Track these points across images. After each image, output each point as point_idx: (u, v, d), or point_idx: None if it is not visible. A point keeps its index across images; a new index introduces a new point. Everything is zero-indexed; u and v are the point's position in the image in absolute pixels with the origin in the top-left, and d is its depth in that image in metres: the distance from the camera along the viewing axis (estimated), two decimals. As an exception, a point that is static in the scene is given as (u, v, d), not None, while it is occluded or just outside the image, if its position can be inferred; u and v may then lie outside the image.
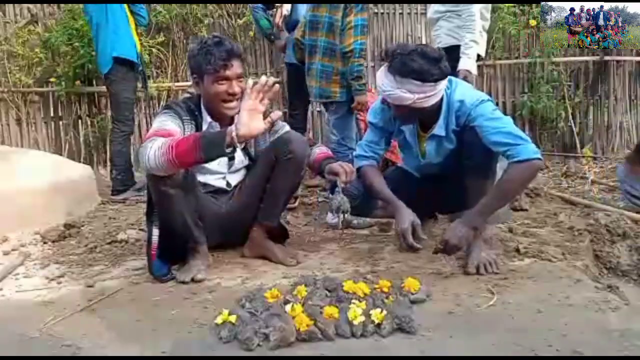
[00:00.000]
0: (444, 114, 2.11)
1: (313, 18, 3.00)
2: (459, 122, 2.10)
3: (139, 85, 4.13)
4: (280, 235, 2.44)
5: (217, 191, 2.32)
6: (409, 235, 2.06)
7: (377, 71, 2.10)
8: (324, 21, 2.94)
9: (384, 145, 2.36)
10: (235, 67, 2.12)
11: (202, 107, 2.22)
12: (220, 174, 2.32)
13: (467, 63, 3.21)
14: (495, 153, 2.10)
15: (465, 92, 2.09)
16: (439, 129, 2.13)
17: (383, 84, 2.02)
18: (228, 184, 2.34)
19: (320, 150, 2.39)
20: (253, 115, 1.82)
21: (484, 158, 2.11)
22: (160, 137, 1.90)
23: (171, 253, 2.19)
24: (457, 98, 2.07)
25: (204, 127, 2.20)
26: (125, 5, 3.86)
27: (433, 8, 3.52)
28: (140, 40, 4.23)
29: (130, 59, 3.81)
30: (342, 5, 2.87)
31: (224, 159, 2.25)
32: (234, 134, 1.80)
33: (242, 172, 2.38)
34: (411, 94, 1.96)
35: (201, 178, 2.25)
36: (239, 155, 2.30)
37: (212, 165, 2.22)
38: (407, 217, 2.09)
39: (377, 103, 2.30)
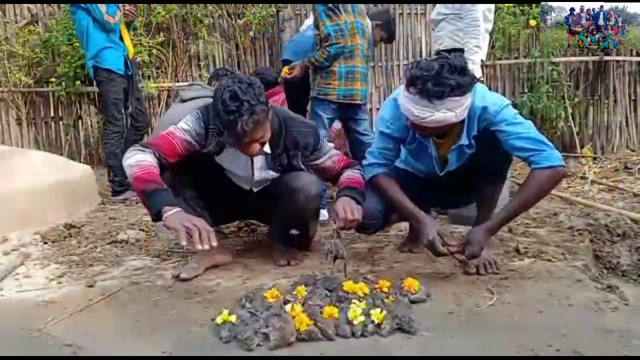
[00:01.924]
0: (466, 122, 2.01)
1: (348, 24, 3.08)
2: (480, 127, 2.02)
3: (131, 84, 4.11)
4: (304, 240, 2.42)
5: (241, 190, 2.30)
6: (437, 245, 1.96)
7: (402, 99, 1.94)
8: (357, 27, 3.10)
9: (396, 152, 2.24)
10: (253, 136, 1.97)
11: None
12: (245, 179, 2.26)
13: (472, 68, 3.18)
14: (509, 159, 2.07)
15: (486, 96, 2.02)
16: (463, 139, 2.03)
17: (419, 112, 1.87)
18: (251, 189, 2.29)
19: (348, 175, 2.24)
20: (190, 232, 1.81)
21: (501, 163, 2.09)
22: (155, 146, 2.02)
23: None
24: (479, 104, 1.98)
25: (227, 146, 2.12)
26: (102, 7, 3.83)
27: (436, 10, 3.50)
28: (132, 41, 4.23)
29: (106, 67, 3.80)
30: (362, 9, 3.12)
31: (246, 173, 2.21)
32: (163, 218, 1.86)
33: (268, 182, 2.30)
34: (453, 111, 1.86)
35: (229, 174, 2.25)
36: (262, 174, 2.22)
37: (237, 172, 2.22)
38: (433, 227, 2.01)
39: (389, 112, 2.16)
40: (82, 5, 3.75)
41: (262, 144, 2.07)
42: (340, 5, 3.05)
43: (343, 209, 2.06)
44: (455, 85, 1.81)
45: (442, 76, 1.81)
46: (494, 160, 2.06)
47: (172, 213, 1.86)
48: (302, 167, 2.25)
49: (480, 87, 2.07)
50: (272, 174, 2.24)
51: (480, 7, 3.22)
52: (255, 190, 2.29)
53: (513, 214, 2.02)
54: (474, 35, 3.18)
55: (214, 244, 1.82)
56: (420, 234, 2.05)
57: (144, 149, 2.01)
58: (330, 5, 3.01)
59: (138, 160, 1.96)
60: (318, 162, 2.28)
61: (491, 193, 2.12)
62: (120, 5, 3.83)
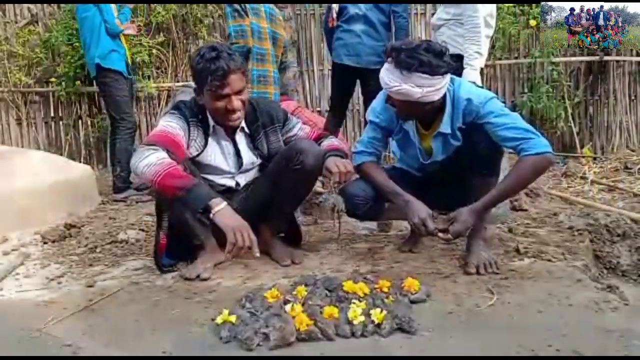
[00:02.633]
0: (449, 111, 2.08)
1: (259, 28, 3.30)
2: (466, 119, 2.07)
3: (132, 88, 4.17)
4: (293, 235, 2.46)
5: (228, 190, 2.30)
6: (429, 222, 2.02)
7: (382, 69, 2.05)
8: (268, 33, 3.30)
9: (384, 143, 2.33)
10: (233, 84, 2.03)
11: (207, 111, 2.19)
12: (229, 174, 2.30)
13: (472, 75, 3.14)
14: (500, 152, 2.09)
15: (471, 90, 2.08)
16: (444, 126, 2.10)
17: (389, 80, 2.00)
18: (237, 184, 2.32)
19: (329, 142, 2.32)
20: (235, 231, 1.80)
21: (491, 157, 2.10)
22: (162, 143, 1.98)
23: (179, 251, 2.22)
24: (463, 96, 2.05)
25: (210, 131, 2.20)
26: (114, 9, 3.87)
27: (437, 15, 3.47)
28: (129, 43, 4.25)
29: (113, 68, 3.84)
30: (279, 18, 3.31)
31: (233, 160, 2.26)
32: (212, 213, 1.81)
33: (254, 172, 2.36)
34: (419, 88, 1.95)
35: (210, 177, 2.25)
36: (248, 156, 2.28)
37: (221, 165, 2.24)
38: (422, 206, 2.07)
39: (379, 102, 2.28)
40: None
41: (242, 103, 2.10)
42: (250, 9, 3.13)
43: (335, 165, 2.13)
44: (426, 62, 1.92)
45: (416, 51, 1.93)
46: (484, 154, 2.08)
47: (222, 209, 1.83)
48: (282, 145, 2.32)
49: (465, 82, 2.14)
50: (254, 159, 2.30)
51: (482, 13, 3.18)
52: (241, 185, 2.31)
53: (499, 197, 2.04)
54: (475, 42, 3.14)
55: (257, 255, 1.85)
56: (408, 212, 2.09)
57: (156, 147, 1.95)
58: (237, 6, 3.14)
59: (159, 157, 1.90)
60: (292, 133, 2.36)
61: (485, 188, 2.13)
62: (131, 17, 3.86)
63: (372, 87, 3.36)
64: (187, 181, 1.87)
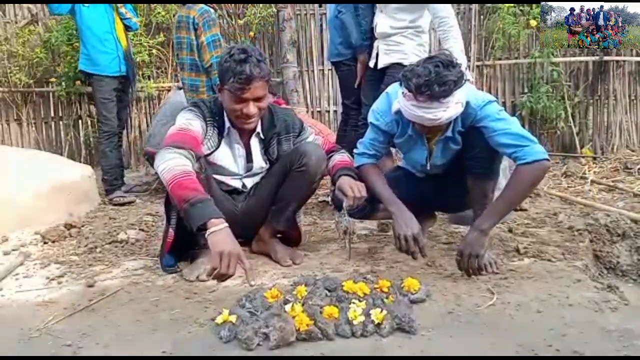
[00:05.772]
0: None
1: (178, 39, 3.56)
2: (465, 123, 2.07)
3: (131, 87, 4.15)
4: (294, 238, 2.46)
5: (233, 191, 2.33)
6: (411, 243, 2.02)
7: (409, 109, 1.96)
8: (186, 42, 3.47)
9: (386, 145, 2.33)
10: (254, 91, 2.04)
11: (224, 111, 2.21)
12: (237, 175, 2.32)
13: (466, 74, 3.04)
14: (498, 153, 2.08)
15: (469, 93, 2.06)
16: (448, 131, 2.10)
17: (432, 115, 1.92)
18: (244, 185, 2.34)
19: (340, 157, 2.34)
20: (228, 255, 1.71)
21: (487, 159, 2.10)
22: (183, 142, 1.97)
23: (182, 250, 2.23)
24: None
25: (225, 132, 2.21)
26: (114, 11, 3.85)
27: (384, 22, 2.97)
28: (132, 41, 4.24)
29: (95, 73, 3.83)
30: (191, 26, 3.43)
31: (242, 163, 2.29)
32: (207, 232, 1.73)
33: (260, 176, 2.38)
34: (456, 104, 1.94)
35: (218, 177, 2.26)
36: (258, 161, 2.31)
37: (230, 167, 2.26)
38: (414, 221, 2.05)
39: (380, 106, 2.25)
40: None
41: (259, 110, 2.12)
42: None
43: (350, 188, 2.14)
44: (456, 80, 1.90)
45: (441, 75, 1.86)
46: (482, 157, 2.08)
47: (218, 230, 1.74)
48: None
49: (465, 85, 2.10)
50: (263, 164, 2.32)
51: (452, 13, 2.84)
52: (248, 186, 2.33)
53: (500, 210, 2.00)
54: (457, 40, 2.80)
55: (252, 283, 1.93)
56: (399, 224, 2.06)
57: (180, 150, 1.92)
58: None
59: (178, 164, 1.86)
60: None
61: (483, 190, 2.13)
62: None
63: (340, 81, 3.54)
64: (194, 195, 1.79)
